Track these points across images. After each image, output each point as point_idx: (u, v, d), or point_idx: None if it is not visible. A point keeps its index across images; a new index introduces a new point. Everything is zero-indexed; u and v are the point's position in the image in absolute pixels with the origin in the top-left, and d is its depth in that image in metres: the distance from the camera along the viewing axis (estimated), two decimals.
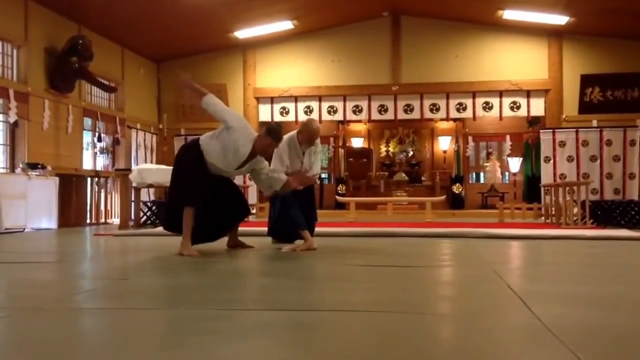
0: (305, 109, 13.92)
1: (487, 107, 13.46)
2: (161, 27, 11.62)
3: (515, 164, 14.60)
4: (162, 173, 9.07)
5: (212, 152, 4.83)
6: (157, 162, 12.56)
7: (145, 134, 12.98)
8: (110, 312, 2.62)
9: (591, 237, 6.62)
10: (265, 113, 14.00)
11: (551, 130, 12.75)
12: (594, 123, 12.76)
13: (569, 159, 12.54)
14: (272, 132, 4.88)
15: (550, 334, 2.04)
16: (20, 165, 8.81)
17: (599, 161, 12.44)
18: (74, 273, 4.14)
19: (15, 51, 9.26)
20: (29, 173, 8.49)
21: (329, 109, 13.91)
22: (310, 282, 3.52)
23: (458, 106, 13.53)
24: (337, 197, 13.31)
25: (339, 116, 14.06)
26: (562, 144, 12.58)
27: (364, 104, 13.84)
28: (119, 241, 6.56)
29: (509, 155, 14.76)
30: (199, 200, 4.87)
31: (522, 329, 2.20)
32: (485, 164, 15.58)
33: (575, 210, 8.70)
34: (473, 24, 13.28)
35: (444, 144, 15.88)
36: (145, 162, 12.49)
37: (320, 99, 13.86)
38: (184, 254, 4.74)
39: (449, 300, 2.97)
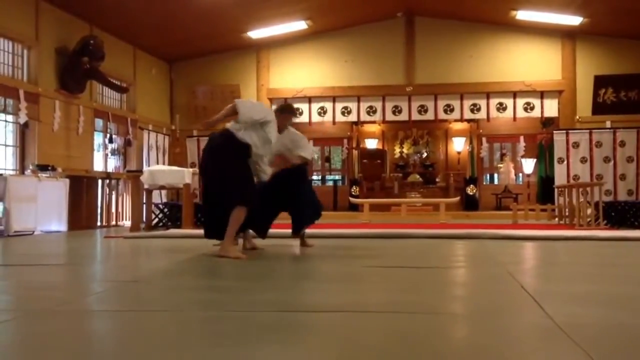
0: (319, 110, 13.86)
1: (501, 108, 13.33)
2: (174, 27, 11.61)
3: (529, 165, 14.44)
4: (174, 174, 9.04)
5: (254, 144, 4.64)
6: (169, 164, 12.53)
7: (157, 135, 12.97)
8: (120, 314, 2.57)
9: (605, 238, 6.59)
10: None
11: (565, 131, 12.61)
12: (608, 124, 12.61)
13: (583, 160, 12.40)
14: (287, 108, 5.36)
15: (563, 333, 2.02)
16: (30, 167, 8.80)
17: (612, 162, 12.29)
18: (84, 275, 4.10)
19: (25, 51, 9.26)
20: (39, 175, 8.48)
21: (343, 109, 13.84)
22: (324, 284, 3.48)
23: (472, 107, 13.41)
24: (351, 198, 13.23)
25: (353, 117, 13.98)
26: (576, 145, 12.43)
27: (378, 104, 13.75)
28: (130, 244, 6.52)
29: (522, 157, 14.60)
30: (254, 199, 4.66)
31: (536, 329, 2.19)
32: (499, 165, 15.42)
33: (589, 211, 8.61)
34: (487, 25, 13.17)
35: (458, 145, 15.75)
36: (157, 163, 12.47)
37: (334, 99, 13.79)
38: (231, 256, 4.49)
39: (463, 301, 2.96)
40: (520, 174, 15.37)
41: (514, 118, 13.44)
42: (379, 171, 15.46)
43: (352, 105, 13.80)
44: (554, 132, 12.83)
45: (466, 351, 1.92)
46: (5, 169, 8.84)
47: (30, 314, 2.51)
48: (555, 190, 11.89)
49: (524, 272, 4.01)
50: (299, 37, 13.47)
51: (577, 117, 12.89)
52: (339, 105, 13.84)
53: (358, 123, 15.18)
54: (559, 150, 12.49)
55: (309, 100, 13.82)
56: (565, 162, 12.40)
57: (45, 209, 8.30)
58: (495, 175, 15.93)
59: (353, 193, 14.53)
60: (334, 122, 14.22)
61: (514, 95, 13.21)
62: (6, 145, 9.08)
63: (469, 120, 14.81)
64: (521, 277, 3.55)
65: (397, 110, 13.74)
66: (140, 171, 10.21)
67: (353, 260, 4.70)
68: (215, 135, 4.87)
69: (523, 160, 14.55)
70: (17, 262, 4.90)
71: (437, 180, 15.60)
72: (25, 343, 2.03)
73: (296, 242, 5.76)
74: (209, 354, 1.82)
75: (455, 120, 14.93)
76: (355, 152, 15.67)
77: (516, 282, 3.28)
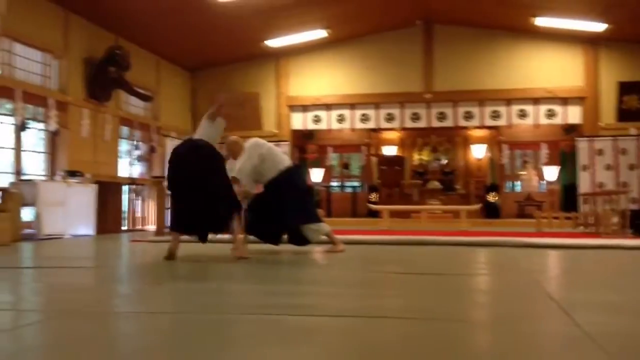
0: (338, 117, 13.95)
1: (522, 114, 13.31)
2: (196, 37, 11.78)
3: (551, 172, 14.37)
4: None
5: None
6: None
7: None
8: (146, 315, 2.65)
9: (630, 246, 6.47)
10: (298, 121, 14.06)
11: (588, 138, 12.54)
12: (632, 131, 12.52)
13: (607, 167, 12.31)
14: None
15: (592, 341, 2.01)
16: (60, 173, 8.99)
17: (638, 170, 12.18)
18: (111, 278, 4.20)
19: (55, 61, 9.47)
20: (68, 180, 8.66)
21: (362, 117, 13.92)
22: (343, 289, 3.51)
23: (492, 114, 13.41)
24: (370, 205, 13.27)
25: (371, 124, 14.06)
26: (600, 152, 12.36)
27: (396, 112, 13.81)
28: (154, 247, 6.63)
29: (545, 164, 14.53)
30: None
31: (563, 337, 2.17)
32: (521, 172, 15.35)
33: (614, 219, 8.53)
34: (507, 31, 13.17)
35: (478, 152, 15.72)
36: None
37: (352, 107, 13.88)
38: (245, 256, 5.10)
39: (487, 308, 2.94)
40: (543, 182, 15.29)
41: (536, 125, 13.42)
42: (398, 178, 15.47)
43: (371, 113, 13.87)
44: (578, 139, 12.76)
45: (488, 358, 1.92)
46: (36, 175, 9.03)
47: (60, 314, 2.60)
48: (580, 198, 11.80)
49: (549, 280, 3.99)
50: (318, 45, 13.58)
51: (601, 123, 12.82)
52: (358, 113, 13.92)
53: (377, 130, 15.24)
54: (582, 158, 12.41)
55: (328, 107, 13.91)
56: (590, 170, 12.33)
57: (74, 213, 8.49)
58: (517, 183, 15.87)
59: (372, 200, 14.57)
60: (352, 129, 14.32)
61: (536, 101, 13.19)
62: (37, 152, 9.29)
63: (489, 127, 14.79)
64: (547, 285, 3.53)
65: (415, 117, 13.78)
66: (164, 177, 10.36)
67: (373, 267, 4.72)
68: (193, 144, 5.23)
69: (545, 167, 14.49)
70: (48, 264, 5.04)
71: (456, 187, 15.58)
72: (56, 343, 2.10)
73: (316, 248, 5.86)
74: (236, 355, 1.87)
75: (475, 127, 14.91)
76: (373, 159, 15.71)
77: (542, 289, 3.27)
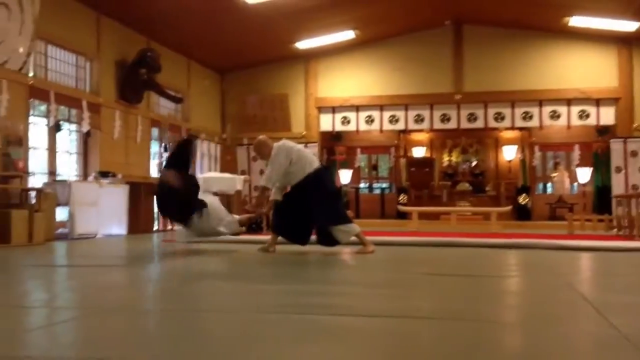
0: (367, 119, 13.93)
1: (555, 115, 13.14)
2: (226, 39, 11.87)
3: (584, 174, 14.14)
4: (227, 181, 9.23)
5: None
6: (220, 171, 12.78)
7: (209, 144, 13.25)
8: (179, 313, 2.67)
9: None
10: (326, 123, 14.07)
11: (622, 139, 12.32)
12: None
13: None
14: None
15: (629, 344, 1.98)
16: (93, 174, 9.14)
17: None
18: (144, 276, 4.26)
19: (88, 64, 9.63)
20: (101, 181, 8.80)
21: (391, 118, 13.87)
22: (375, 290, 3.50)
23: (524, 115, 13.26)
24: (399, 206, 13.22)
25: (400, 125, 14.00)
26: (634, 154, 12.14)
27: (426, 113, 13.74)
28: (185, 247, 6.70)
29: (577, 165, 14.31)
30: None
31: (599, 339, 2.14)
32: (553, 174, 15.13)
33: None
34: (538, 32, 13.01)
35: (509, 153, 15.53)
36: (209, 170, 12.74)
37: (381, 108, 13.84)
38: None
39: (519, 309, 2.92)
40: (575, 184, 15.06)
41: (568, 126, 13.24)
42: (427, 179, 15.37)
43: (400, 114, 13.82)
44: (611, 140, 12.55)
45: (522, 359, 1.90)
46: (70, 176, 9.19)
47: (95, 312, 2.64)
48: (613, 200, 11.61)
49: (583, 282, 3.94)
50: (347, 46, 13.57)
51: (635, 125, 12.59)
52: (387, 114, 13.88)
53: (405, 131, 15.17)
54: (616, 159, 12.21)
55: (357, 109, 13.90)
56: (623, 171, 12.12)
57: (106, 213, 8.62)
58: (549, 185, 15.65)
59: (401, 201, 14.51)
60: (381, 131, 14.28)
61: (568, 102, 13.01)
62: (70, 153, 9.45)
63: (520, 128, 14.62)
64: (582, 287, 3.49)
65: (445, 118, 13.69)
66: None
67: (403, 268, 4.72)
68: None
69: (578, 169, 14.27)
70: (82, 263, 5.13)
71: (487, 189, 15.42)
72: (90, 339, 2.14)
73: (347, 250, 5.87)
74: (265, 354, 1.88)
75: (506, 129, 14.75)
76: (402, 161, 15.64)
77: (577, 291, 3.23)
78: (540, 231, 10.63)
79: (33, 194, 7.68)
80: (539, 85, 13.02)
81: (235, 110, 14.02)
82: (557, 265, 4.82)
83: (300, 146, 5.91)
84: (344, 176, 15.01)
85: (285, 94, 13.82)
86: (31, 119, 8.29)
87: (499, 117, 13.40)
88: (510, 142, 15.49)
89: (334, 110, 14.00)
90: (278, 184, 5.74)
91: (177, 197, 5.71)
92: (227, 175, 10.24)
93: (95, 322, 2.41)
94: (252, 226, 9.52)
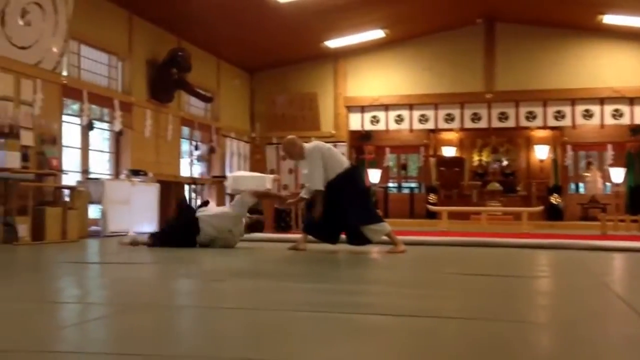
0: (396, 118, 13.86)
1: (588, 114, 12.92)
2: (256, 38, 11.92)
3: (618, 174, 13.88)
4: (256, 180, 9.29)
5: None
6: (250, 170, 12.85)
7: (238, 143, 13.33)
8: (210, 310, 2.69)
9: None
10: (355, 122, 14.04)
11: None
12: None
13: None
14: None
15: None
16: (124, 172, 9.26)
17: None
18: (174, 274, 4.30)
19: (120, 63, 9.75)
20: (132, 179, 8.91)
21: (420, 117, 13.78)
22: (405, 289, 3.48)
23: (556, 114, 13.07)
24: (429, 206, 13.14)
25: (430, 125, 13.91)
26: None
27: (456, 112, 13.62)
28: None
29: (610, 165, 14.06)
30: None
31: (636, 340, 2.10)
32: (585, 174, 14.89)
33: None
34: (572, 30, 12.80)
35: (541, 153, 15.33)
36: (238, 169, 12.81)
37: (411, 107, 13.76)
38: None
39: (552, 309, 2.88)
40: (608, 183, 14.80)
41: (602, 125, 13.01)
42: (457, 179, 15.26)
43: (430, 113, 13.72)
44: None
45: (557, 359, 1.88)
46: (102, 174, 9.33)
47: (127, 308, 2.66)
48: None
49: (618, 282, 3.87)
50: (376, 45, 13.51)
51: None
52: (416, 113, 13.78)
53: (435, 131, 15.07)
54: None
55: (386, 108, 13.84)
56: None
57: (138, 211, 8.73)
58: (581, 185, 15.40)
59: (430, 201, 14.41)
60: (411, 130, 14.19)
61: (601, 101, 12.78)
62: (102, 152, 9.59)
63: (552, 128, 14.42)
64: (618, 288, 3.44)
65: (476, 117, 13.56)
66: (224, 177, 10.54)
67: (433, 267, 4.70)
68: None
69: (611, 169, 14.01)
70: (114, 260, 5.20)
71: (517, 188, 15.25)
72: (122, 335, 2.16)
73: (374, 249, 5.86)
74: (298, 351, 1.88)
75: (538, 128, 14.57)
76: (432, 160, 15.55)
77: (612, 292, 3.18)
78: (572, 231, 10.48)
79: (67, 191, 7.81)
80: (571, 84, 12.82)
81: (264, 110, 14.06)
82: (591, 266, 4.75)
83: (330, 146, 5.93)
84: (373, 176, 14.97)
85: (314, 93, 13.82)
86: (64, 117, 8.42)
87: (531, 116, 13.23)
88: (541, 141, 15.29)
89: (363, 109, 13.96)
90: (307, 183, 5.77)
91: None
92: (256, 174, 10.31)
93: (127, 319, 2.44)
94: (281, 225, 9.57)
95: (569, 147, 14.79)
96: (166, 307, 2.74)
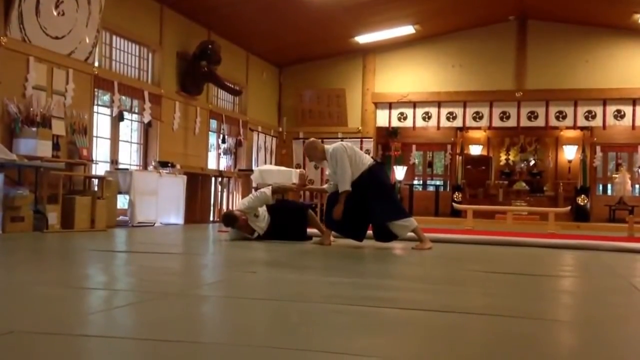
0: (424, 115, 13.79)
1: (619, 115, 12.72)
2: (285, 33, 11.96)
3: None
4: (283, 174, 9.35)
5: None
6: (276, 164, 12.89)
7: (265, 137, 13.39)
8: (238, 301, 2.73)
9: None
10: (383, 118, 14.00)
11: None
12: None
13: None
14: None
15: None
16: (152, 163, 9.37)
17: None
18: (201, 264, 4.35)
19: (150, 55, 9.86)
20: (160, 171, 9.01)
21: (448, 115, 13.69)
22: (430, 285, 3.49)
23: (587, 114, 12.88)
24: (454, 204, 13.06)
25: (458, 123, 13.81)
26: None
27: (484, 110, 13.50)
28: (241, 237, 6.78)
29: None
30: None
31: None
32: (614, 176, 14.66)
33: None
34: (605, 28, 12.61)
35: (570, 153, 15.13)
36: (265, 163, 12.87)
37: (439, 104, 13.67)
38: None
39: (578, 309, 2.86)
40: (637, 185, 14.56)
41: (633, 126, 12.79)
42: (483, 178, 15.15)
43: (458, 111, 13.62)
44: None
45: (577, 357, 1.87)
46: (130, 165, 9.46)
47: (154, 296, 2.70)
48: None
49: None
50: (406, 41, 13.45)
51: None
52: (444, 111, 13.70)
53: (463, 129, 14.96)
54: None
55: (414, 105, 13.77)
56: None
57: (165, 202, 8.84)
58: (609, 186, 15.17)
59: (456, 199, 14.33)
60: (438, 128, 14.10)
61: (634, 102, 12.57)
62: (131, 143, 9.72)
63: (582, 128, 14.22)
64: None
65: (504, 116, 13.43)
66: (250, 170, 10.60)
67: (459, 265, 4.67)
68: None
69: None
70: (141, 249, 5.27)
71: (544, 189, 15.08)
72: (148, 322, 2.19)
73: (402, 245, 5.86)
74: (324, 343, 1.89)
75: (567, 128, 14.38)
76: (459, 158, 15.45)
77: (639, 294, 3.16)
78: (599, 233, 10.33)
79: (96, 181, 7.94)
80: (603, 84, 12.62)
81: (292, 104, 14.10)
82: (617, 267, 4.70)
83: (352, 144, 5.94)
84: (398, 172, 14.92)
85: (342, 89, 13.81)
86: (95, 108, 8.55)
87: (561, 115, 13.06)
88: (571, 141, 15.09)
89: (390, 106, 13.91)
90: (332, 181, 5.78)
91: None
92: (282, 168, 10.36)
93: (154, 306, 2.48)
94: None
95: (598, 148, 14.57)
96: (191, 296, 2.78)
